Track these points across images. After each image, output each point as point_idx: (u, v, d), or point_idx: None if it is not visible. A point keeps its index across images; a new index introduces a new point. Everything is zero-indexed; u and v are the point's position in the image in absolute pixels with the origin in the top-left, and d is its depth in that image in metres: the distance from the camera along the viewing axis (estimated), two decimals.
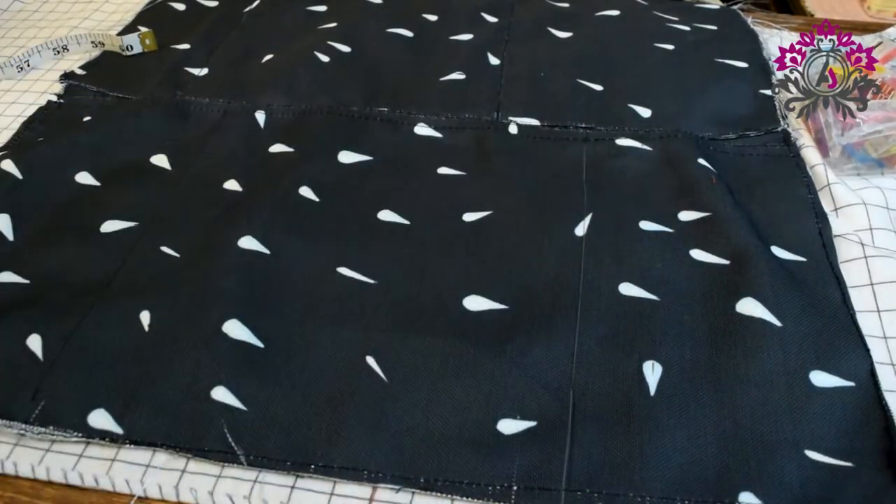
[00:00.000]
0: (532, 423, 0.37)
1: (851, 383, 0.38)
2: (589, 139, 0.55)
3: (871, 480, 0.34)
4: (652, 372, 0.39)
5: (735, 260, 0.44)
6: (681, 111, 0.58)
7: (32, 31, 0.73)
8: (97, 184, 0.52)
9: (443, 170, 0.53)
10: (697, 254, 0.45)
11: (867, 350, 0.40)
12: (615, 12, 0.69)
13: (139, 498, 0.36)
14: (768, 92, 0.60)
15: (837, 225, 0.48)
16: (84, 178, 0.52)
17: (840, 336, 0.41)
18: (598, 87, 0.60)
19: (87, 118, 0.59)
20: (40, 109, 0.60)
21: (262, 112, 0.58)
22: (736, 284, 0.43)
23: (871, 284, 0.44)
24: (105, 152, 0.54)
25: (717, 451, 0.36)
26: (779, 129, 0.56)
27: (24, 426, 0.38)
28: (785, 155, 0.54)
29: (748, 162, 0.53)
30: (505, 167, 0.53)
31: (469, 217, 0.49)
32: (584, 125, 0.56)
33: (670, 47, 0.64)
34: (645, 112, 0.58)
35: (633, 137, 0.55)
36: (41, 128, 0.58)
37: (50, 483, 0.37)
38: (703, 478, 0.35)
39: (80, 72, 0.65)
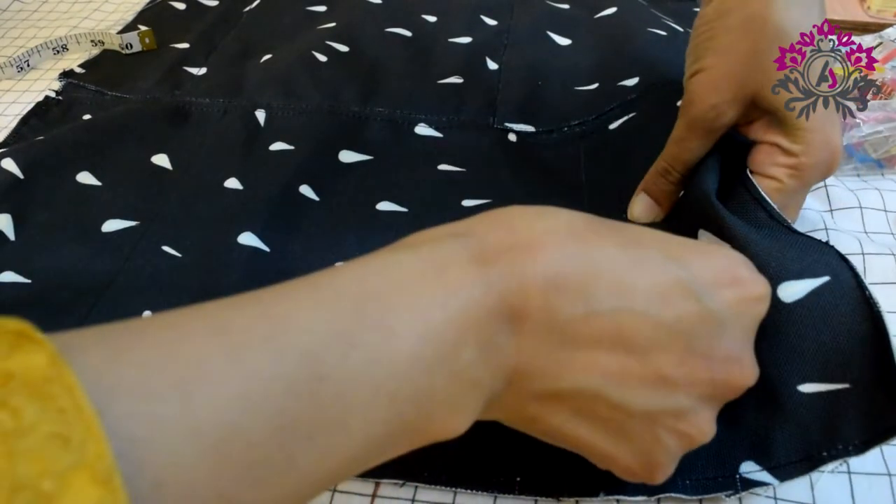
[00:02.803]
0: None
1: (826, 278, 0.33)
2: (585, 134, 0.55)
3: (867, 402, 0.31)
4: None
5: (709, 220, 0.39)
6: (671, 79, 0.57)
7: (32, 30, 0.73)
8: (98, 183, 0.52)
9: (443, 167, 0.53)
10: (703, 236, 0.45)
11: (826, 242, 0.35)
12: (612, 10, 0.69)
13: None
14: None
15: (834, 224, 0.48)
16: (85, 177, 0.52)
17: (790, 242, 0.35)
18: (594, 86, 0.60)
19: (86, 116, 0.59)
20: (38, 105, 0.60)
21: (263, 111, 0.58)
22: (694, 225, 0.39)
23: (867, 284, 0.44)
24: (106, 152, 0.54)
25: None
26: None
27: None
28: None
29: None
30: (504, 169, 0.53)
31: (469, 203, 0.49)
32: (577, 122, 0.57)
33: (663, 33, 0.64)
34: (632, 81, 0.58)
35: (622, 114, 0.55)
36: (40, 125, 0.58)
37: None
38: (701, 454, 0.33)
39: (79, 70, 0.65)
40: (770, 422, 0.33)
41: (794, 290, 0.32)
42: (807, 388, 0.32)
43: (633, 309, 0.26)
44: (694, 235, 0.39)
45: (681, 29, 0.67)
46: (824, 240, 0.41)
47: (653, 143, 0.48)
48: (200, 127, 0.57)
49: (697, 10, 0.72)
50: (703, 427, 0.28)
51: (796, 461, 0.32)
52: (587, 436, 0.28)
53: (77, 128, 0.57)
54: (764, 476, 0.32)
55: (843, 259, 0.33)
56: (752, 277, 0.30)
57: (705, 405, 0.28)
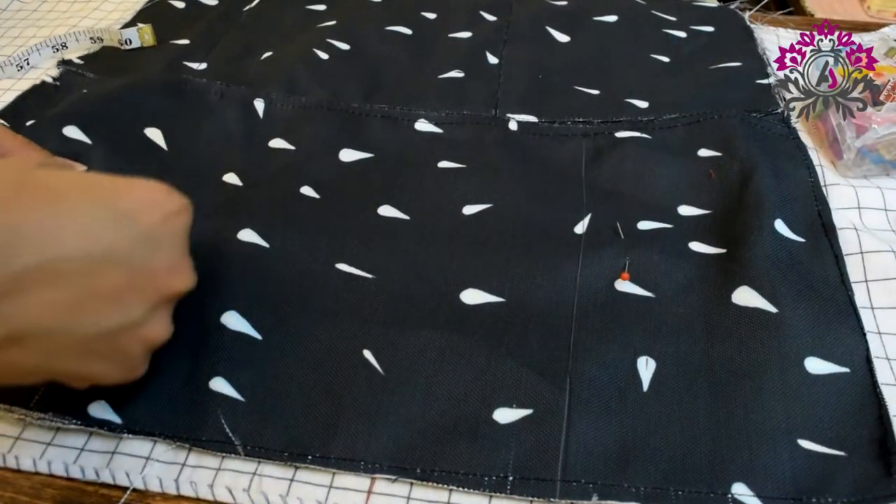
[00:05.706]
0: (528, 411, 0.37)
1: (846, 369, 0.38)
2: (588, 133, 0.56)
3: (862, 470, 0.35)
4: (646, 367, 0.39)
5: (732, 246, 0.45)
6: (679, 102, 0.58)
7: (31, 30, 0.73)
8: (87, 140, 0.52)
9: (443, 164, 0.53)
10: (696, 245, 0.46)
11: (863, 334, 0.40)
12: (613, 17, 0.70)
13: (139, 492, 0.36)
14: (765, 81, 0.61)
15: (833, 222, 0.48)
16: (72, 132, 0.52)
17: (836, 319, 0.41)
18: (595, 92, 0.60)
19: (84, 91, 0.59)
20: (35, 87, 0.60)
21: (262, 101, 0.58)
22: (732, 273, 0.43)
23: (866, 282, 0.44)
24: (96, 113, 0.54)
25: (711, 442, 0.36)
26: (778, 110, 0.57)
27: (24, 411, 0.37)
28: (785, 135, 0.54)
29: (751, 136, 0.53)
30: (505, 163, 0.53)
31: (468, 210, 0.49)
32: (581, 119, 0.57)
33: (666, 59, 0.65)
34: (642, 104, 0.58)
35: (631, 129, 0.55)
36: (36, 101, 0.59)
37: (50, 483, 0.36)
38: (696, 468, 0.35)
39: (78, 61, 0.65)
40: (766, 455, 0.35)
41: (818, 366, 0.38)
42: (806, 444, 0.36)
43: (63, 255, 0.29)
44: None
45: (683, 35, 0.67)
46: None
47: (660, 169, 0.51)
48: (196, 106, 0.57)
49: (696, 3, 0.73)
50: (159, 329, 0.34)
51: (787, 499, 0.34)
52: (61, 366, 0.32)
53: (70, 98, 0.57)
54: (755, 502, 0.34)
55: (866, 356, 0.39)
56: (169, 198, 0.35)
57: (157, 311, 0.34)
